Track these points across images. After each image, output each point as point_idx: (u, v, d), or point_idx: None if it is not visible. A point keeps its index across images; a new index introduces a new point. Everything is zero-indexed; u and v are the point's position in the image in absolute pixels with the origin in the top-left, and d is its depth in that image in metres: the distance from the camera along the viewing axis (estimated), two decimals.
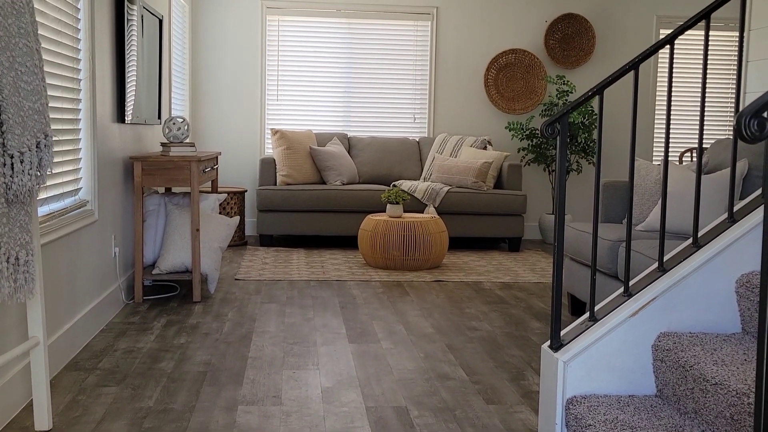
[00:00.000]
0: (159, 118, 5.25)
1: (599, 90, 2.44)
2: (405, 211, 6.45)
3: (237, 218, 4.93)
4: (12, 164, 2.28)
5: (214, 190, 5.46)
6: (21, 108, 2.30)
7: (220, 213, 5.32)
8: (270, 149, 7.21)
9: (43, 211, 3.14)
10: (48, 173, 2.45)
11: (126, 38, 4.28)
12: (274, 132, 6.67)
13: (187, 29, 6.85)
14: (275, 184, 6.58)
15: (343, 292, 4.85)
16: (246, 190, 6.71)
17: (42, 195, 3.14)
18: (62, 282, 3.28)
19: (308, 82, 7.24)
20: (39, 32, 2.80)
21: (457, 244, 6.87)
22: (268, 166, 6.58)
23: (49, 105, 3.16)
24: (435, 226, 5.67)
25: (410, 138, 7.22)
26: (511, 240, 6.65)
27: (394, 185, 6.64)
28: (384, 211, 6.48)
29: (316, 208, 6.43)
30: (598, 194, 2.46)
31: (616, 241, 3.80)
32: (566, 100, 7.12)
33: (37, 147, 2.38)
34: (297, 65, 7.21)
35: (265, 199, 6.40)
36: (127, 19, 4.29)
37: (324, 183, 6.70)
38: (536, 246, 7.00)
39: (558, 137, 2.41)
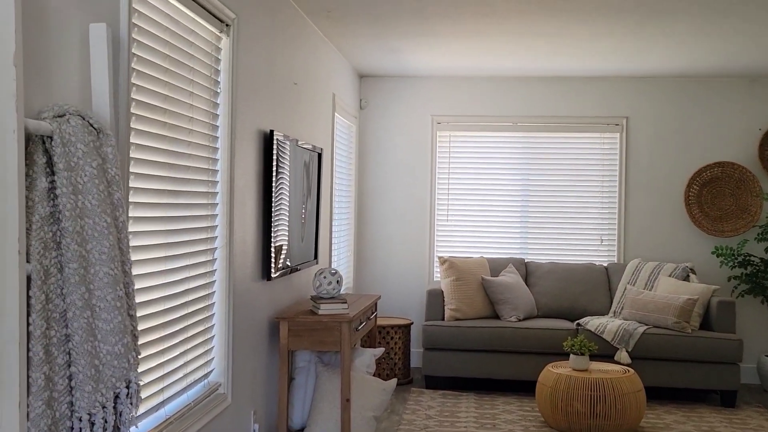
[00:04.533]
0: (315, 257, 4.81)
1: None
2: (593, 356, 5.55)
3: (393, 381, 4.31)
4: (80, 428, 1.79)
5: (372, 342, 4.90)
6: (96, 355, 1.83)
7: (378, 344, 4.74)
8: (438, 276, 6.60)
9: (160, 416, 2.69)
10: (132, 425, 1.95)
11: (274, 184, 3.88)
12: (442, 261, 6.07)
13: (354, 152, 6.50)
14: (443, 319, 5.93)
15: None
16: (412, 323, 6.12)
17: (162, 396, 2.69)
18: None
19: (481, 203, 6.61)
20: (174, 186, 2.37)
21: (656, 395, 5.82)
22: (435, 298, 5.96)
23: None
24: (630, 384, 4.74)
25: (597, 264, 6.34)
26: (723, 393, 5.53)
27: (579, 324, 5.76)
28: (566, 356, 5.62)
29: (489, 348, 5.69)
30: None
31: None
32: None
33: (115, 399, 1.89)
34: (469, 184, 6.63)
35: (432, 336, 5.76)
36: (277, 165, 3.89)
37: (497, 318, 5.96)
38: (756, 396, 5.80)
39: None
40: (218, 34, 3.23)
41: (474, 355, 5.74)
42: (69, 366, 1.80)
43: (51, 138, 1.81)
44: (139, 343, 2.51)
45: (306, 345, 3.95)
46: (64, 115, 1.86)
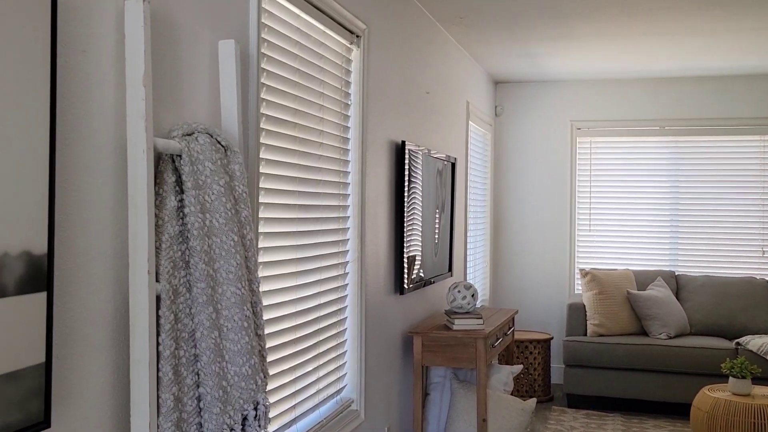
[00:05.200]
0: (449, 270, 4.70)
1: None
2: (755, 380, 5.10)
3: (533, 402, 4.11)
4: None
5: (510, 358, 4.72)
6: (224, 377, 1.80)
7: (516, 359, 4.54)
8: (579, 290, 6.31)
9: None
10: None
11: (406, 195, 3.80)
12: (584, 273, 5.78)
13: (489, 160, 6.34)
14: (585, 335, 5.65)
15: None
16: (551, 338, 5.87)
17: (293, 413, 2.66)
18: None
19: (626, 211, 6.26)
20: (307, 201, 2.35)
21: None
22: (576, 312, 5.69)
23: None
24: None
25: (757, 277, 5.84)
26: None
27: (738, 344, 5.31)
28: (723, 378, 5.19)
29: (636, 367, 5.36)
30: None
31: None
32: None
33: (243, 421, 1.85)
34: (611, 192, 6.30)
35: (574, 353, 5.49)
36: (410, 176, 3.82)
37: (645, 335, 5.60)
38: None
39: None
40: (348, 45, 3.19)
41: (620, 374, 5.42)
42: (198, 387, 1.78)
43: (180, 156, 1.81)
44: (271, 359, 2.49)
45: (440, 361, 3.84)
46: (193, 133, 1.85)
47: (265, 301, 2.45)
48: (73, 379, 1.54)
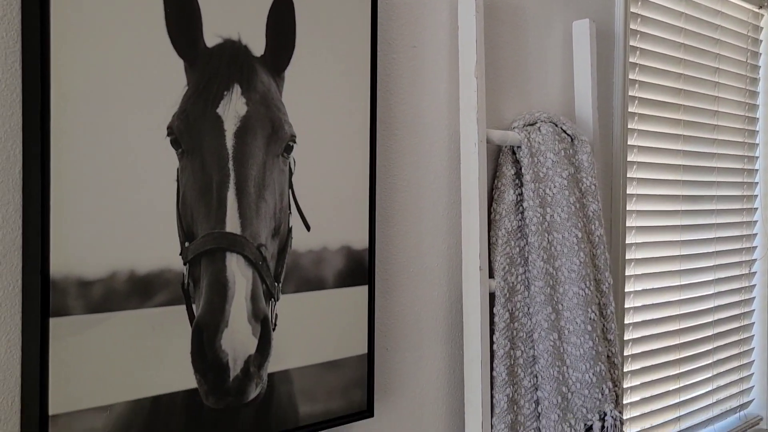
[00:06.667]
0: None
1: None
2: None
3: None
4: None
5: None
6: (563, 382, 1.68)
7: None
8: None
9: None
10: None
11: None
12: None
13: None
14: None
15: None
16: None
17: (677, 425, 2.40)
18: None
19: None
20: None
21: None
22: None
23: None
24: None
25: None
26: None
27: None
28: None
29: None
30: None
31: None
32: None
33: (587, 431, 1.71)
34: None
35: None
36: None
37: None
38: None
39: None
40: (756, 10, 2.74)
41: None
42: (536, 390, 1.69)
43: (519, 148, 1.73)
44: (645, 365, 2.27)
45: None
46: (535, 123, 1.76)
47: (637, 302, 2.24)
48: (400, 372, 1.57)
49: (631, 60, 2.17)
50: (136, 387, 1.11)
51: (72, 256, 1.04)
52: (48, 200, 1.02)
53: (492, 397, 1.64)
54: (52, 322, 1.03)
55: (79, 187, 1.04)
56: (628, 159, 2.17)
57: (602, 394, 1.70)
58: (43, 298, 1.02)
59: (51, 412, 1.03)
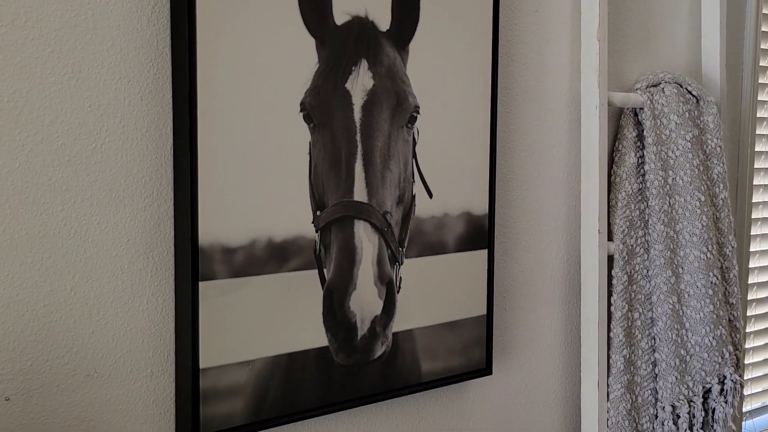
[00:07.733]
0: None
1: None
2: None
3: None
4: (664, 419, 1.68)
5: None
6: (682, 345, 1.68)
7: None
8: None
9: None
10: (728, 424, 1.74)
11: None
12: None
13: None
14: None
15: None
16: None
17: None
18: None
19: None
20: None
21: None
22: None
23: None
24: None
25: None
26: None
27: None
28: None
29: None
30: None
31: None
32: None
33: (706, 394, 1.71)
34: None
35: None
36: None
37: None
38: None
39: None
40: None
41: None
42: (654, 352, 1.70)
43: (642, 110, 1.71)
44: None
45: None
46: (659, 84, 1.73)
47: (763, 262, 2.18)
48: (518, 332, 1.62)
49: (764, 11, 2.07)
50: (275, 344, 1.21)
51: (217, 225, 1.13)
52: (196, 174, 1.11)
53: (608, 357, 1.67)
54: (201, 285, 1.13)
55: (222, 162, 1.13)
56: (758, 115, 2.09)
57: (722, 358, 1.70)
58: (192, 263, 1.12)
59: (201, 365, 1.14)
